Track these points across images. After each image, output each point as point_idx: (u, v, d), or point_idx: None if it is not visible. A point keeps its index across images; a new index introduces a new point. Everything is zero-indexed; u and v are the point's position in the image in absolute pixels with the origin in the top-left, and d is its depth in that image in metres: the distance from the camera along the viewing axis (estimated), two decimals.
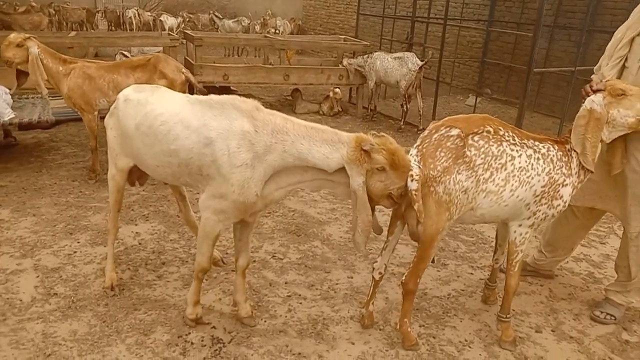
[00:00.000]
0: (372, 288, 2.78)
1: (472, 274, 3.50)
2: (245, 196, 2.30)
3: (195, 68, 6.83)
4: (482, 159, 2.38)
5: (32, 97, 5.45)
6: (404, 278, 2.60)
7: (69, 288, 3.03)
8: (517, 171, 2.43)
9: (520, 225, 2.58)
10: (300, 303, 3.04)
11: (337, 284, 3.27)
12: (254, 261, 3.44)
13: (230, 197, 2.32)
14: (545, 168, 2.47)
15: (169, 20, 14.23)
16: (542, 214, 2.52)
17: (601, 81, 2.62)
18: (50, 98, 5.48)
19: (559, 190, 2.49)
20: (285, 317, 2.90)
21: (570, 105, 5.76)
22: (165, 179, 2.71)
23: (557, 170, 2.49)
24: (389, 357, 2.63)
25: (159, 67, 4.55)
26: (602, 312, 3.05)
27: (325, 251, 3.67)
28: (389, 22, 9.58)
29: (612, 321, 3.03)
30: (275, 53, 8.20)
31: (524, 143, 2.48)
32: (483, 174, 2.39)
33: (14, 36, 4.29)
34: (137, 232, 3.77)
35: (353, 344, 2.71)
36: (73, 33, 7.68)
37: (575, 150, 2.51)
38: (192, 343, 2.63)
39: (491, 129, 2.45)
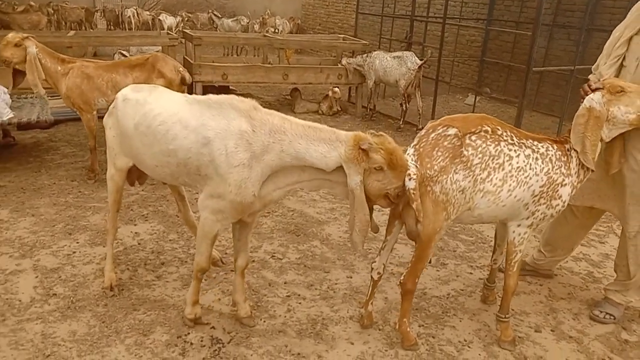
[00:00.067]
0: (370, 288, 2.78)
1: (471, 273, 3.50)
2: (242, 196, 2.30)
3: (194, 67, 6.82)
4: (479, 158, 2.38)
5: (31, 97, 5.44)
6: (402, 278, 2.59)
7: (68, 288, 3.03)
8: (515, 171, 2.43)
9: (519, 225, 2.58)
10: (300, 303, 3.03)
11: (336, 283, 3.26)
12: (253, 261, 3.43)
13: (227, 197, 2.31)
14: (543, 168, 2.46)
15: (168, 20, 14.22)
16: (541, 214, 2.52)
17: (599, 80, 2.62)
18: (49, 98, 5.48)
19: (557, 190, 2.48)
20: (285, 317, 2.90)
21: (569, 104, 5.75)
22: (164, 179, 2.71)
23: (556, 170, 2.48)
24: (388, 357, 2.63)
25: (157, 67, 4.54)
26: (601, 312, 3.05)
27: (325, 251, 3.67)
28: (388, 21, 9.58)
29: (612, 320, 3.03)
30: (274, 52, 8.21)
31: (522, 143, 2.48)
32: (480, 174, 2.39)
33: (12, 36, 4.28)
34: (136, 232, 3.77)
35: (352, 344, 2.71)
36: (72, 32, 7.66)
37: (575, 150, 2.50)
38: (191, 343, 2.63)
39: (489, 129, 2.44)
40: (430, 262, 2.47)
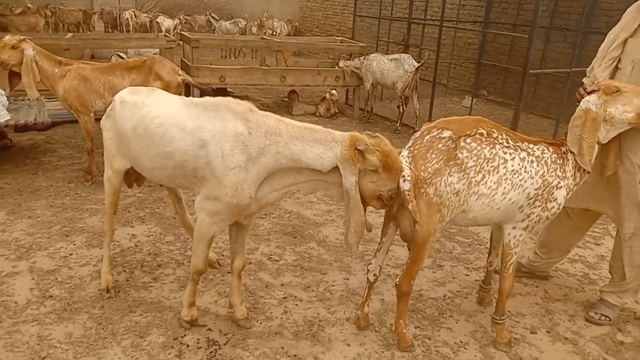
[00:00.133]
0: (367, 290, 2.78)
1: (467, 275, 3.51)
2: (238, 198, 2.31)
3: (192, 70, 6.83)
4: (474, 161, 2.39)
5: (28, 99, 5.43)
6: (397, 280, 2.60)
7: (65, 290, 3.03)
8: (510, 174, 2.43)
9: (514, 228, 2.59)
10: (296, 305, 3.04)
11: (333, 285, 3.27)
12: (250, 263, 3.44)
13: (223, 199, 2.32)
14: (539, 171, 2.47)
15: (166, 22, 14.22)
16: (537, 216, 2.53)
17: (593, 83, 2.64)
18: (46, 100, 5.48)
19: (553, 193, 2.49)
20: (281, 318, 2.90)
21: (566, 107, 5.78)
22: (161, 181, 2.71)
23: (552, 172, 2.49)
24: (384, 358, 2.63)
25: (155, 69, 4.54)
26: (596, 313, 3.07)
27: (321, 253, 3.68)
28: (385, 24, 9.60)
29: (607, 322, 3.04)
30: (272, 55, 8.20)
31: (518, 146, 2.48)
32: (475, 177, 2.39)
33: (8, 38, 4.28)
34: (133, 234, 3.77)
35: (349, 345, 2.71)
36: (69, 34, 7.67)
37: (571, 152, 2.51)
38: (187, 345, 2.63)
39: (484, 132, 2.45)
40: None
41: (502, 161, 2.42)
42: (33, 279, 3.13)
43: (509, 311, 3.00)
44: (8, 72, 4.39)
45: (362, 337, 2.78)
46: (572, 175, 2.54)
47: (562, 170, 2.52)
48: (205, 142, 2.30)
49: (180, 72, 4.71)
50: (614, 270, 3.09)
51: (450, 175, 2.35)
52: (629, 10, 2.84)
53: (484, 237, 4.01)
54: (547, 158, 2.51)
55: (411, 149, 2.43)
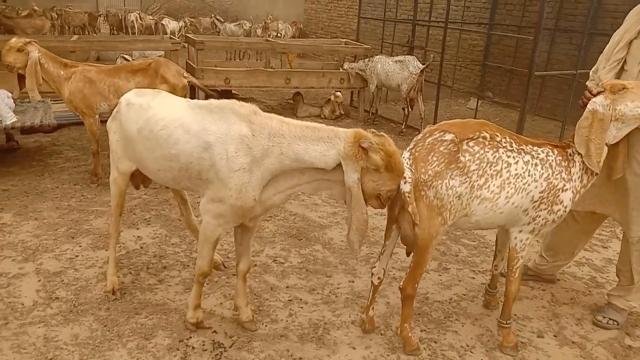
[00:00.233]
0: (371, 293, 2.78)
1: (473, 278, 3.49)
2: (243, 200, 2.30)
3: (197, 72, 6.85)
4: (476, 165, 2.37)
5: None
6: (402, 283, 2.59)
7: (71, 292, 3.04)
8: (513, 178, 2.41)
9: (520, 231, 2.57)
10: (302, 307, 3.03)
11: (338, 288, 3.26)
12: (255, 265, 3.44)
13: (228, 201, 2.32)
14: (543, 174, 2.45)
15: (171, 24, 14.29)
16: (542, 219, 2.51)
17: (598, 85, 2.62)
18: (52, 102, 5.50)
19: (558, 196, 2.47)
20: (286, 321, 2.90)
21: (571, 109, 5.76)
22: (166, 183, 2.72)
23: (557, 175, 2.47)
24: None
25: (160, 72, 4.55)
26: (604, 317, 3.04)
27: (327, 255, 3.67)
28: (390, 26, 9.59)
29: (615, 326, 3.02)
30: (276, 56, 8.22)
31: (522, 149, 2.46)
32: (477, 180, 2.38)
33: (14, 41, 4.31)
34: (138, 236, 3.77)
35: (354, 348, 2.70)
36: (75, 37, 7.71)
37: (578, 154, 2.49)
38: (193, 347, 2.63)
39: (487, 135, 2.43)
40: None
41: (505, 165, 2.41)
42: (39, 280, 3.14)
43: (515, 315, 2.98)
44: (17, 75, 4.41)
45: (367, 340, 2.77)
46: (579, 178, 2.52)
47: (567, 172, 2.50)
48: (210, 144, 2.31)
49: (185, 74, 4.73)
50: (622, 273, 3.07)
51: (452, 179, 2.33)
52: (631, 13, 2.82)
53: (490, 240, 3.99)
54: (552, 160, 2.49)
55: (412, 151, 2.43)
